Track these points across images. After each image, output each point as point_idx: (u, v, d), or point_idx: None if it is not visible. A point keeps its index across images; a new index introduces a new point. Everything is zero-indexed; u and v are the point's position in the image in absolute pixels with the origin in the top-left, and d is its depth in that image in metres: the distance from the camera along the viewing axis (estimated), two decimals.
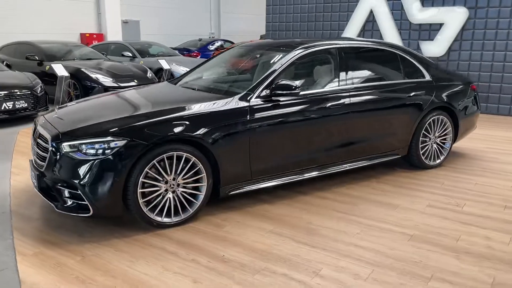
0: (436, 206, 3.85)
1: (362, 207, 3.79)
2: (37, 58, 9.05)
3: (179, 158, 3.28)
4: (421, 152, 4.79)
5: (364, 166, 4.48)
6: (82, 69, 8.50)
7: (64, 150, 3.13)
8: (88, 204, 3.10)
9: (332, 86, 4.18)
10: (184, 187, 3.37)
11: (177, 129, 3.28)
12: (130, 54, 11.25)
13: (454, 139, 5.10)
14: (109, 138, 3.10)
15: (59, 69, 8.07)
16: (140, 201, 3.17)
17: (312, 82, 4.28)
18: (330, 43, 4.34)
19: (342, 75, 4.23)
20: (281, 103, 3.76)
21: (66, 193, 3.17)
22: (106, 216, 3.37)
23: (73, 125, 3.33)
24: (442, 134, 4.93)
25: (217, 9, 20.99)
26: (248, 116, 3.57)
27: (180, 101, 3.74)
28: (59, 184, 3.18)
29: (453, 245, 3.12)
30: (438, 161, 4.96)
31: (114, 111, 3.55)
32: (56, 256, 2.92)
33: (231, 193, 3.63)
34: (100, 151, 3.08)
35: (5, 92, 6.86)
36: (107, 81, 8.47)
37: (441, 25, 8.63)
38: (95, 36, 15.30)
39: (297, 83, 3.80)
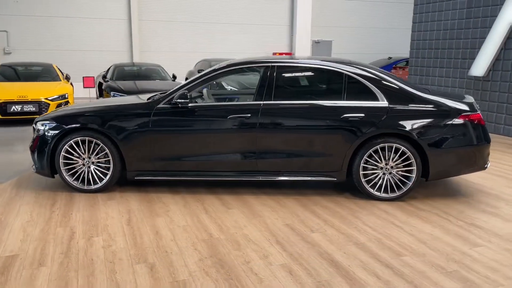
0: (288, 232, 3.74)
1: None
2: None
3: (96, 144, 4.47)
4: (363, 180, 4.41)
5: (294, 181, 4.52)
6: None
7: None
8: None
9: (243, 100, 4.53)
10: (98, 166, 4.54)
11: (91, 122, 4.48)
12: None
13: (426, 175, 4.39)
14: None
15: None
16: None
17: (225, 95, 4.71)
18: (264, 61, 4.64)
19: (261, 91, 4.46)
20: (180, 110, 4.44)
21: None
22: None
23: None
24: (403, 166, 4.36)
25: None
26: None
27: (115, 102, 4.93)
28: None
29: None
30: (394, 194, 4.41)
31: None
32: None
33: (136, 178, 4.56)
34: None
35: None
36: None
37: None
38: (284, 55, 17.35)
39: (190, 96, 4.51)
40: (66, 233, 3.57)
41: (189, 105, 4.44)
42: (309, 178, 4.52)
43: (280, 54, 17.30)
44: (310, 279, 2.87)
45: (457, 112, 4.37)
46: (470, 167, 4.49)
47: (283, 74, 4.60)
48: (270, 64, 4.58)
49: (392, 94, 4.43)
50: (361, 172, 4.41)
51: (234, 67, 4.67)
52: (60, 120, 4.54)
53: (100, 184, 4.57)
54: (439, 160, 4.36)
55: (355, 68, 4.54)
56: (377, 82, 4.47)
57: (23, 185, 4.84)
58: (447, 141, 4.33)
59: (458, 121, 4.34)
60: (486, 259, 3.19)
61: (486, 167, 4.56)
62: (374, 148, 4.34)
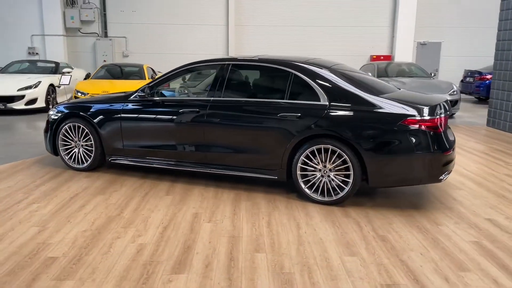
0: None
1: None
2: None
3: (81, 129, 5.27)
4: (300, 181, 4.32)
5: (239, 176, 4.66)
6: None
7: None
8: None
9: (195, 96, 4.82)
10: (86, 149, 5.33)
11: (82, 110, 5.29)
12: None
13: (365, 179, 4.12)
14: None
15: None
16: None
17: (184, 91, 5.01)
18: (220, 59, 4.88)
19: (213, 88, 4.71)
20: (142, 103, 4.95)
21: None
22: None
23: None
24: (345, 169, 4.16)
25: None
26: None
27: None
28: None
29: None
30: (330, 198, 4.23)
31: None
32: None
33: (111, 160, 5.22)
34: None
35: None
36: None
37: None
38: (382, 58, 16.51)
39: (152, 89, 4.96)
40: None
41: (154, 98, 4.94)
42: (251, 175, 4.58)
43: (378, 57, 16.58)
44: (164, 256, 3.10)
45: (400, 117, 3.99)
46: (418, 178, 4.04)
47: (235, 73, 4.77)
48: (224, 63, 4.80)
49: (335, 94, 4.25)
50: (298, 173, 4.33)
51: (193, 65, 5.00)
52: (61, 109, 5.44)
53: (85, 164, 5.35)
54: (379, 166, 4.04)
55: (304, 67, 4.47)
56: (321, 81, 4.34)
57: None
58: (387, 146, 3.99)
59: (402, 126, 3.96)
60: (356, 269, 2.98)
61: (442, 179, 4.04)
62: (310, 149, 4.24)
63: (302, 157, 4.28)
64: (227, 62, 4.80)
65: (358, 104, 4.15)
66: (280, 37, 16.37)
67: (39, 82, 10.79)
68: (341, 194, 4.19)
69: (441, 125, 4.05)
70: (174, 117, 4.80)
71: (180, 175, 5.20)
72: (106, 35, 16.20)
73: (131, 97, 5.08)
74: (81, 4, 15.89)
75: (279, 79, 4.56)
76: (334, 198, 4.22)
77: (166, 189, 4.71)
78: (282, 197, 4.47)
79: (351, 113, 4.13)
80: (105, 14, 16.10)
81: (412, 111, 4.01)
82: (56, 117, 5.43)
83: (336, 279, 2.85)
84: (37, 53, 15.91)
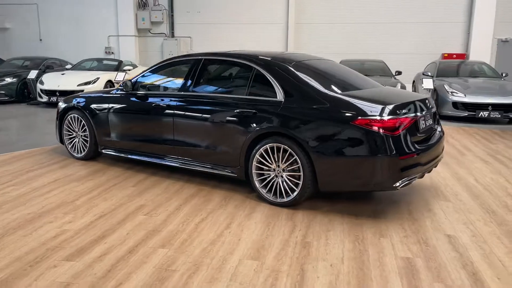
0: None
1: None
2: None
3: (79, 120, 5.63)
4: (256, 180, 4.17)
5: (202, 172, 4.63)
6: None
7: None
8: None
9: (168, 91, 4.88)
10: (83, 139, 5.68)
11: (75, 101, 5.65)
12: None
13: (314, 181, 3.84)
14: None
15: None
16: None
17: (160, 85, 5.06)
18: (194, 54, 4.89)
19: (185, 82, 4.73)
20: (124, 96, 5.15)
21: None
22: None
23: None
24: (296, 170, 3.94)
25: None
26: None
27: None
28: None
29: None
30: (282, 199, 4.02)
31: None
32: None
33: (102, 151, 5.50)
34: None
35: None
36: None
37: None
38: (454, 56, 15.10)
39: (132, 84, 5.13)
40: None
41: (132, 92, 5.12)
42: (213, 171, 4.52)
43: (450, 55, 15.27)
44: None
45: (353, 116, 3.64)
46: (369, 183, 3.65)
47: (206, 68, 4.74)
48: (196, 58, 4.80)
49: (292, 90, 4.03)
50: (254, 171, 4.18)
51: (170, 61, 5.05)
52: (66, 101, 5.86)
53: (83, 154, 5.70)
54: (327, 168, 3.75)
55: (265, 62, 4.31)
56: (280, 77, 4.13)
57: None
58: (336, 147, 3.68)
59: (352, 126, 3.62)
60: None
61: (397, 187, 3.61)
62: (264, 148, 4.06)
63: (257, 156, 4.12)
64: (199, 57, 4.80)
65: (311, 102, 3.89)
66: (340, 35, 15.82)
67: (97, 78, 11.69)
68: (291, 196, 3.96)
69: (399, 126, 3.63)
70: (150, 110, 4.91)
71: (161, 168, 5.30)
72: (173, 35, 17.02)
73: (117, 91, 5.31)
74: (152, 6, 16.88)
75: (243, 74, 4.45)
76: (286, 200, 4.00)
77: (138, 180, 4.84)
78: (242, 196, 4.35)
79: (302, 111, 3.88)
80: (172, 15, 16.92)
81: (366, 110, 3.64)
82: (61, 108, 5.85)
83: (215, 281, 2.71)
84: (112, 53, 17.25)
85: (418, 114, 3.92)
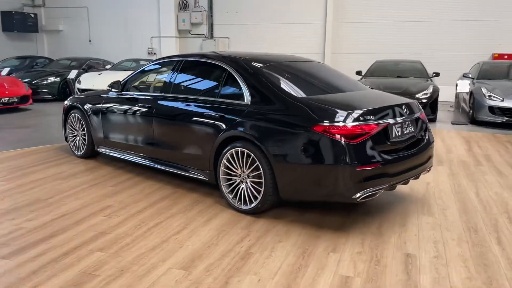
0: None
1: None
2: None
3: (80, 120, 5.81)
4: (223, 185, 4.06)
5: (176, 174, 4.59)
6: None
7: None
8: None
9: (151, 92, 4.93)
10: (83, 138, 5.86)
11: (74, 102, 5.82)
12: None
13: (276, 188, 3.67)
14: None
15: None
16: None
17: (145, 86, 5.07)
18: (177, 56, 4.84)
19: (165, 84, 4.72)
20: (114, 97, 5.23)
21: None
22: None
23: None
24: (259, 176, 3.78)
25: None
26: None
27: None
28: None
29: None
30: (246, 206, 3.87)
31: None
32: None
33: (98, 149, 5.63)
34: None
35: None
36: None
37: None
38: (505, 56, 13.95)
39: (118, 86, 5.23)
40: None
41: (121, 94, 5.20)
42: (186, 174, 4.46)
43: (501, 55, 14.18)
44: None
45: (312, 122, 3.42)
46: (327, 193, 3.41)
47: (184, 70, 4.68)
48: (176, 59, 4.77)
49: (258, 94, 3.87)
50: (221, 176, 4.07)
51: (156, 62, 5.06)
52: (70, 100, 6.06)
53: (82, 152, 5.87)
54: (286, 176, 3.56)
55: (237, 64, 4.18)
56: (249, 79, 3.99)
57: None
58: (295, 154, 3.48)
59: (312, 132, 3.41)
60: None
61: (357, 198, 3.34)
62: (230, 152, 3.94)
63: (224, 160, 4.01)
64: (180, 59, 4.76)
65: (273, 106, 3.71)
66: (381, 35, 15.16)
67: None
68: (254, 204, 3.80)
69: (361, 133, 3.35)
70: (135, 111, 4.94)
71: (150, 168, 5.31)
72: (211, 36, 17.19)
73: (108, 93, 5.41)
74: (192, 7, 17.17)
75: (217, 76, 4.34)
76: (249, 207, 3.85)
77: (120, 180, 4.89)
78: (212, 201, 4.25)
79: (264, 115, 3.72)
80: (211, 16, 17.10)
81: (326, 116, 3.41)
82: (66, 107, 6.06)
83: (81, 285, 2.64)
84: (154, 53, 17.75)
85: (391, 120, 3.61)
